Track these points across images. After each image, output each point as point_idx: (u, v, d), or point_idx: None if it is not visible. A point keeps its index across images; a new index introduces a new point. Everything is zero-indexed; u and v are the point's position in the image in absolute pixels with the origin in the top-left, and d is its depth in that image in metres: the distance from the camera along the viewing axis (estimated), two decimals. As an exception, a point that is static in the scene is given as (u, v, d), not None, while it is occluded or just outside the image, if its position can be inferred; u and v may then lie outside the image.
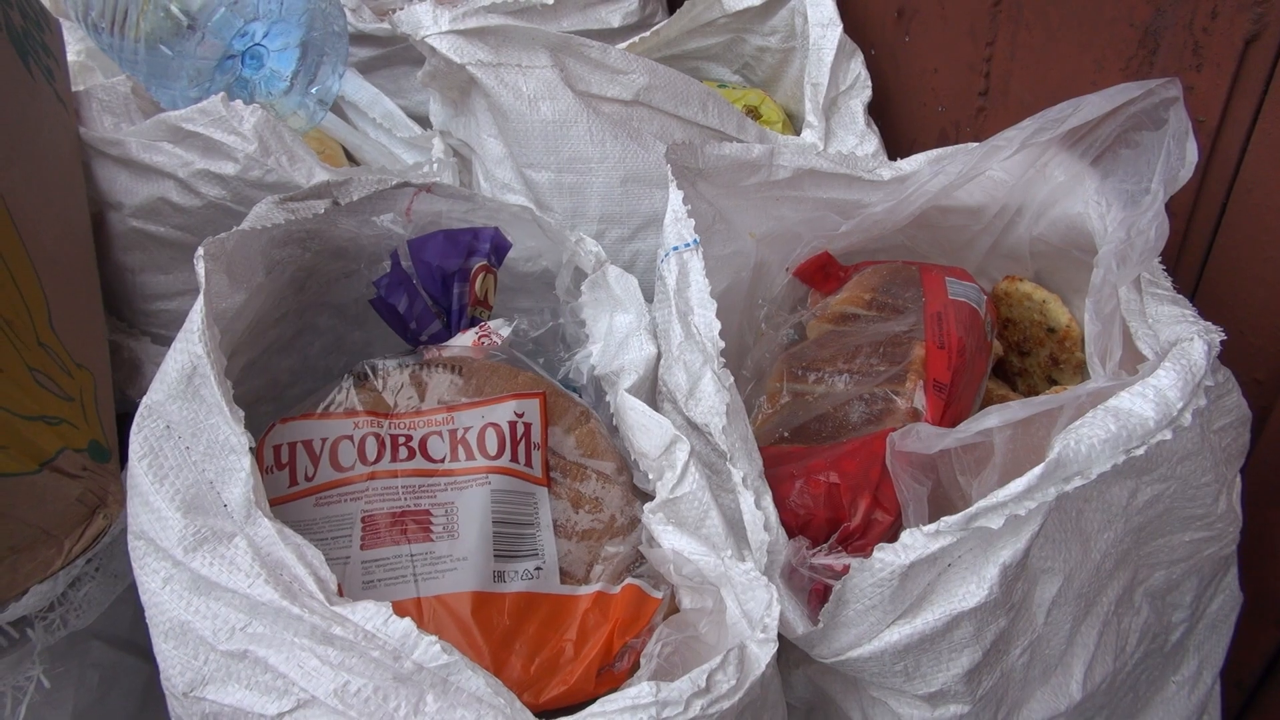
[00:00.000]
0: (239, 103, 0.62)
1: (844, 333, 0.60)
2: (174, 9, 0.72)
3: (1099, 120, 0.56)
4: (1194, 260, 0.58)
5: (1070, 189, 0.60)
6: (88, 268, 0.54)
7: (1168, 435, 0.34)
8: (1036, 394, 0.69)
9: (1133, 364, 0.44)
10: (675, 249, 0.50)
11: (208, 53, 0.73)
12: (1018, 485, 0.34)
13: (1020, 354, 0.70)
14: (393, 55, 0.97)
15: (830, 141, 0.77)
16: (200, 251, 0.41)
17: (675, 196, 0.52)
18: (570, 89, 0.67)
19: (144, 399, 0.38)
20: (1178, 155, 0.52)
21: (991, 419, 0.40)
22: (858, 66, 0.76)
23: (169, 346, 0.66)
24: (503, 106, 0.66)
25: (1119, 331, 0.45)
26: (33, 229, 0.46)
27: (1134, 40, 0.56)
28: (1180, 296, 0.47)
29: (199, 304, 0.39)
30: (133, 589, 0.47)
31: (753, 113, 0.86)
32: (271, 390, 0.57)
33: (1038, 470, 0.33)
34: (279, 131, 0.62)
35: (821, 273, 0.66)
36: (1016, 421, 0.39)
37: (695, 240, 0.50)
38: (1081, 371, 0.66)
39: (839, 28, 0.75)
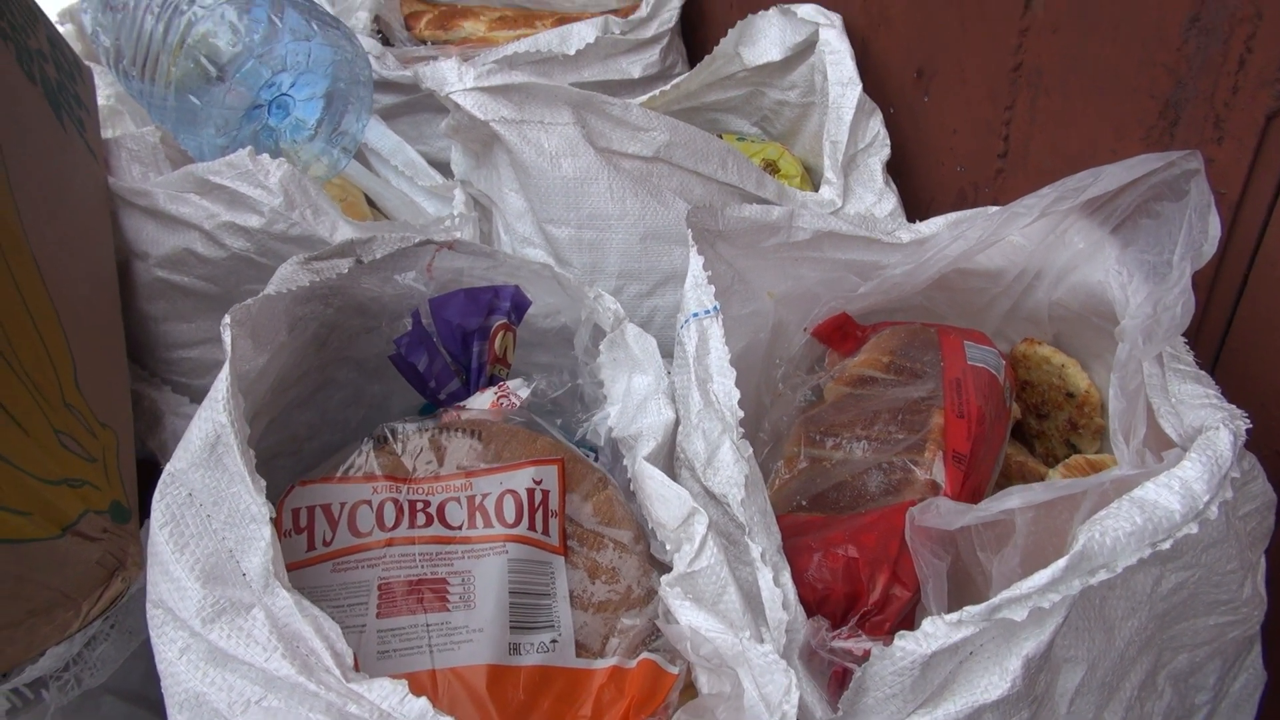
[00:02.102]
0: (265, 156, 0.63)
1: (862, 396, 0.60)
2: (204, 60, 0.73)
3: (1119, 189, 0.56)
4: (1214, 332, 0.58)
5: (1090, 256, 0.60)
6: (113, 322, 0.55)
7: (1194, 529, 0.33)
8: (1055, 457, 0.68)
9: (1156, 442, 0.44)
10: (695, 315, 0.50)
11: (235, 102, 0.75)
12: (1042, 577, 0.33)
13: (1038, 417, 0.69)
14: (416, 102, 0.98)
15: (849, 199, 0.77)
16: (227, 319, 0.41)
17: (696, 262, 0.52)
18: (591, 145, 0.68)
19: (167, 465, 0.38)
20: (1200, 229, 0.52)
21: (1014, 500, 0.40)
22: (877, 125, 0.77)
23: (189, 394, 0.67)
24: (525, 163, 0.67)
25: (1143, 408, 0.45)
26: (62, 287, 0.46)
27: (1155, 111, 0.57)
28: (1203, 374, 0.47)
29: (225, 372, 0.39)
30: (146, 644, 0.47)
31: (771, 167, 0.87)
32: (290, 445, 0.58)
33: (1062, 562, 0.33)
34: (304, 185, 0.63)
35: (839, 333, 0.66)
36: (1039, 504, 0.39)
37: (715, 307, 0.50)
38: (1101, 438, 0.66)
39: (858, 87, 0.75)
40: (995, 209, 0.62)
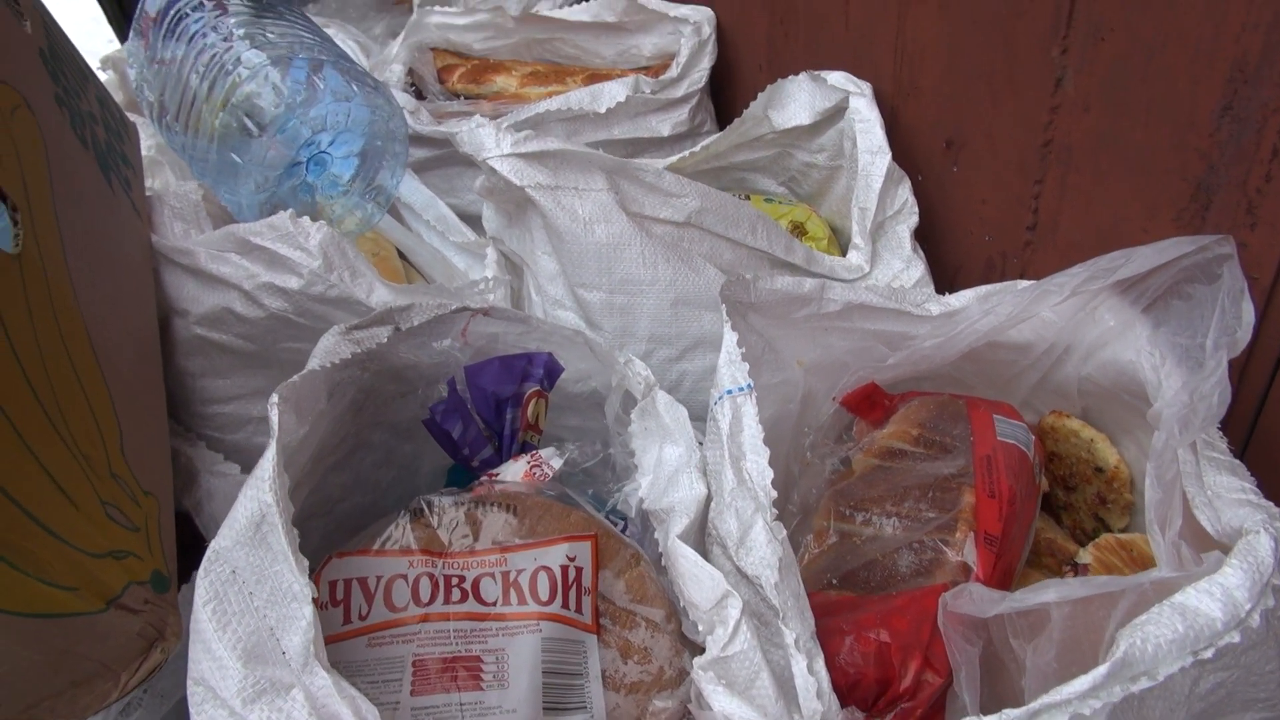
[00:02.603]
0: (306, 220, 0.64)
1: (891, 470, 0.60)
2: (246, 119, 0.75)
3: (1151, 271, 0.57)
4: (1245, 415, 0.58)
5: (1121, 334, 0.60)
6: (156, 385, 0.56)
7: (1235, 638, 0.33)
8: (1083, 530, 0.68)
9: (1192, 534, 0.44)
10: (729, 392, 0.50)
11: (276, 160, 0.76)
12: (1083, 683, 0.33)
13: (1066, 489, 0.69)
14: (448, 157, 1.00)
15: (876, 264, 0.78)
16: (274, 398, 0.42)
17: (730, 338, 0.52)
18: (624, 211, 0.69)
19: (213, 543, 0.38)
20: (1233, 314, 0.52)
21: (1050, 593, 0.40)
22: (905, 193, 0.77)
23: (223, 449, 0.68)
24: (558, 228, 0.68)
25: (1179, 499, 0.45)
26: (110, 353, 0.47)
27: (1186, 193, 0.57)
28: (1238, 464, 0.47)
29: (271, 452, 0.40)
30: (179, 705, 0.48)
31: (799, 229, 0.87)
32: (323, 506, 0.58)
33: (1104, 669, 0.33)
34: (342, 248, 0.64)
35: (868, 402, 0.66)
36: (1076, 599, 0.39)
37: (749, 385, 0.50)
38: (1130, 513, 0.65)
39: (888, 155, 0.76)
40: (1025, 284, 0.62)
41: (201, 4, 0.82)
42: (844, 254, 0.89)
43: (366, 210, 0.86)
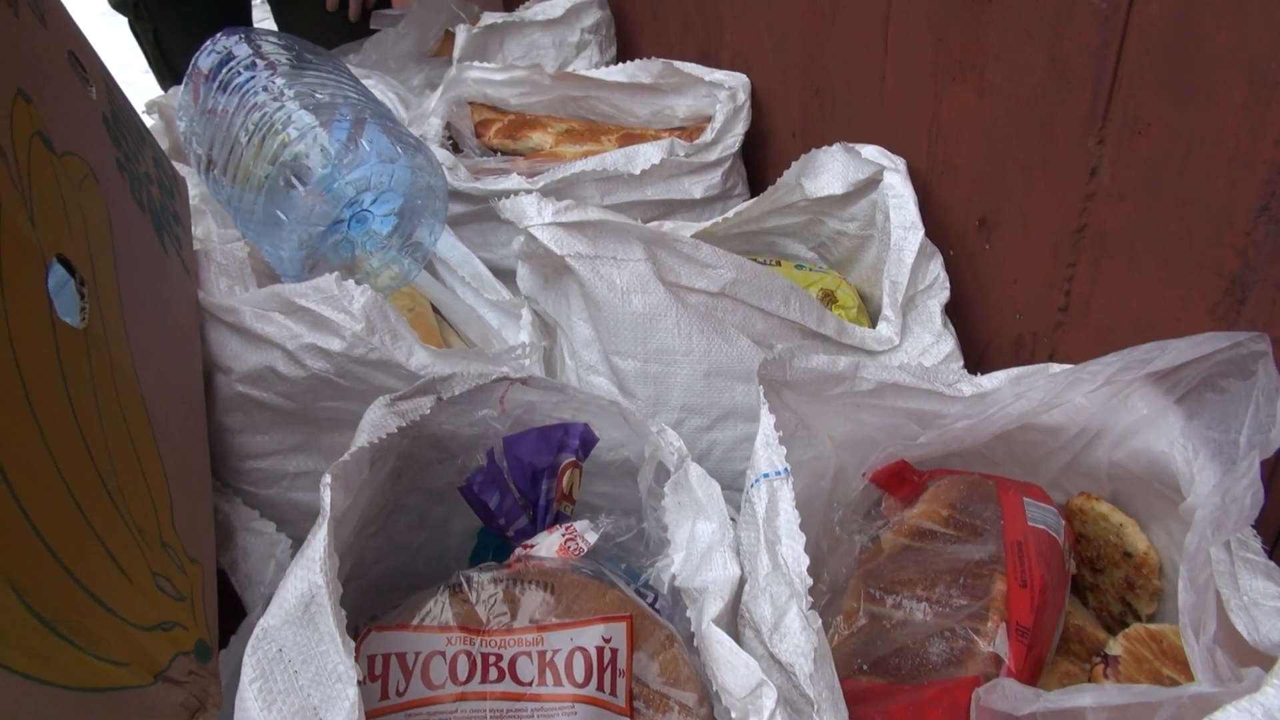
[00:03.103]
0: (350, 283, 0.65)
1: (921, 550, 0.60)
2: (293, 179, 0.77)
3: (1185, 364, 0.57)
4: (1276, 514, 0.58)
5: (1153, 423, 0.60)
6: (203, 450, 0.57)
7: (1277, 761, 0.33)
8: (1109, 613, 0.68)
9: (1227, 638, 0.44)
10: (766, 476, 0.51)
11: (320, 219, 0.78)
12: (1122, 801, 0.34)
13: (1093, 570, 0.69)
14: (483, 212, 1.02)
15: (906, 337, 0.78)
16: (327, 478, 0.43)
17: (767, 421, 0.53)
18: (660, 281, 0.70)
19: (261, 620, 0.39)
20: (1267, 412, 0.52)
21: (1087, 697, 0.40)
22: (937, 268, 0.78)
23: (257, 504, 0.68)
24: (596, 296, 0.69)
25: (1213, 602, 0.45)
26: (163, 421, 0.49)
27: (1221, 287, 0.58)
28: (1273, 566, 0.47)
29: (322, 532, 0.41)
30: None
31: (829, 296, 0.88)
32: (359, 569, 0.59)
33: (1143, 788, 0.33)
34: (384, 311, 0.65)
35: (897, 478, 0.67)
36: (1113, 706, 0.39)
37: (786, 469, 0.51)
38: (1158, 599, 0.65)
39: (921, 231, 0.77)
40: (1058, 368, 0.63)
41: (254, 63, 0.85)
42: (873, 322, 0.90)
43: (404, 265, 0.87)
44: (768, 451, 0.52)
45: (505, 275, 0.98)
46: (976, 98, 0.72)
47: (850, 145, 0.86)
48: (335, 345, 0.64)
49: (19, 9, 0.52)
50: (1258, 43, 0.50)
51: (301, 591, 0.39)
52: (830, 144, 0.88)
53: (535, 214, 0.69)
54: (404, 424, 0.49)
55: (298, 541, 0.65)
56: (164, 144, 1.14)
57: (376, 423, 0.48)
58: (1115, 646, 0.57)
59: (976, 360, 0.81)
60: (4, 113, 0.43)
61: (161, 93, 1.67)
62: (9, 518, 0.33)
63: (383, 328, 0.65)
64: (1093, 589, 0.70)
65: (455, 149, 1.18)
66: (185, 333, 0.60)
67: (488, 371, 0.58)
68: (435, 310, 0.92)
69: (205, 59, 0.87)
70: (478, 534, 0.68)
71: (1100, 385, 0.59)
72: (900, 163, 0.81)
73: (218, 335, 0.67)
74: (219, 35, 0.89)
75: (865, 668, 0.52)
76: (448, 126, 1.18)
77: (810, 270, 0.92)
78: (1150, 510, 0.65)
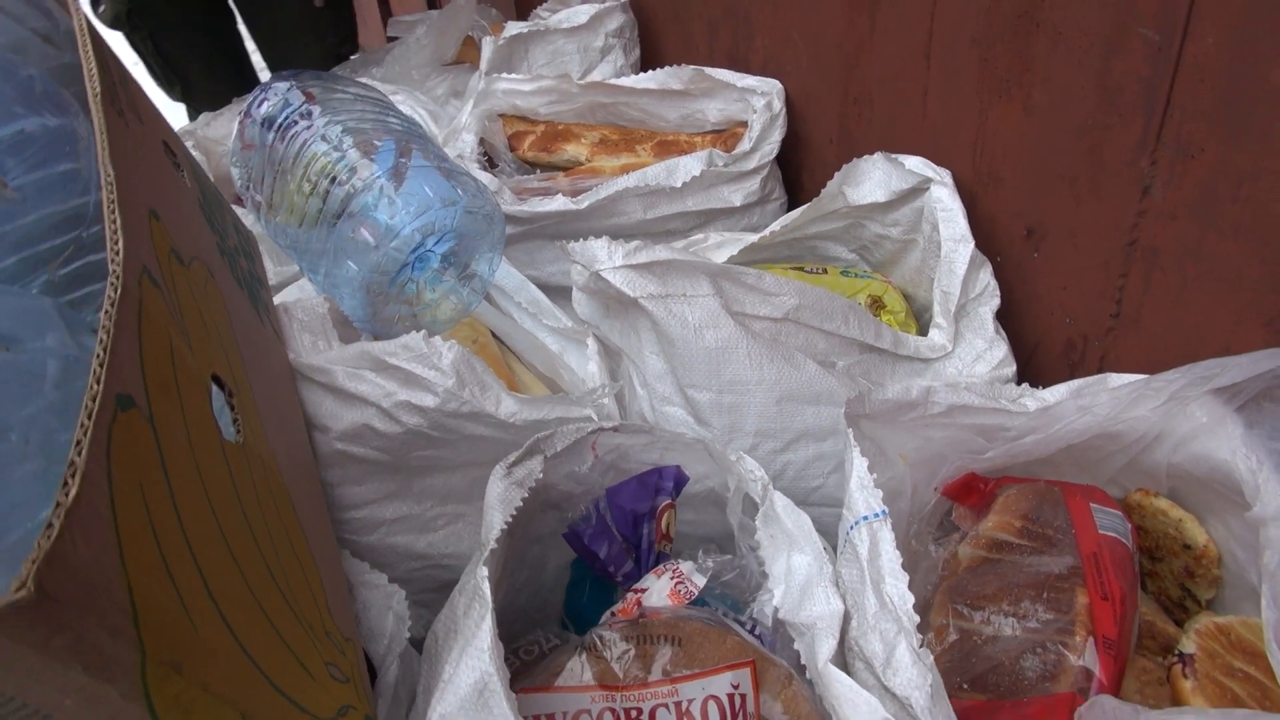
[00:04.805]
0: (437, 340, 0.68)
1: (999, 562, 0.64)
2: (364, 232, 0.79)
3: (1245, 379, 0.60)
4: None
5: (1212, 430, 0.64)
6: (329, 524, 0.60)
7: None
8: (1168, 596, 0.72)
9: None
10: (865, 519, 0.55)
11: (389, 266, 0.81)
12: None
13: (1152, 559, 0.73)
14: (530, 232, 1.04)
15: (959, 344, 0.82)
16: (484, 571, 0.47)
17: (860, 464, 0.57)
18: (728, 312, 0.73)
19: (437, 708, 0.43)
20: (1327, 426, 0.56)
21: (1187, 718, 0.44)
22: (987, 276, 0.81)
23: (355, 550, 0.72)
24: (670, 334, 0.72)
25: (1291, 618, 0.49)
26: (303, 509, 0.52)
27: (1275, 305, 0.61)
28: (1343, 578, 0.51)
29: (486, 623, 0.44)
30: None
31: (877, 302, 0.91)
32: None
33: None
34: (471, 364, 0.68)
35: (966, 489, 0.71)
36: (1213, 731, 0.43)
37: (884, 511, 0.55)
38: (1217, 586, 0.69)
39: (971, 243, 0.80)
40: (1118, 381, 0.66)
41: (309, 110, 0.87)
42: (920, 323, 0.93)
43: (463, 297, 0.90)
44: (864, 494, 0.55)
45: (554, 292, 1.01)
46: (1023, 116, 0.74)
47: (892, 155, 0.88)
48: (429, 401, 0.67)
49: (124, 114, 0.54)
50: (1312, 82, 0.53)
51: (474, 680, 0.43)
52: (869, 152, 0.90)
53: (606, 258, 0.72)
54: (525, 494, 0.52)
55: (402, 583, 0.69)
56: (211, 173, 1.16)
57: (504, 498, 0.51)
58: (1189, 644, 0.61)
59: (1026, 360, 0.84)
60: (146, 240, 0.45)
61: (168, 99, 1.68)
62: (228, 649, 0.37)
63: (472, 380, 0.68)
64: (1151, 575, 0.74)
65: (490, 163, 1.20)
66: (292, 405, 0.63)
67: (584, 424, 0.62)
68: (497, 338, 0.95)
69: (259, 108, 0.89)
70: (571, 567, 0.72)
71: (1164, 402, 0.62)
72: (946, 175, 0.83)
73: (312, 395, 0.70)
74: (271, 83, 0.91)
75: (965, 685, 0.56)
76: (481, 141, 1.19)
77: (856, 276, 0.95)
78: (1208, 506, 0.68)
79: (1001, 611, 0.59)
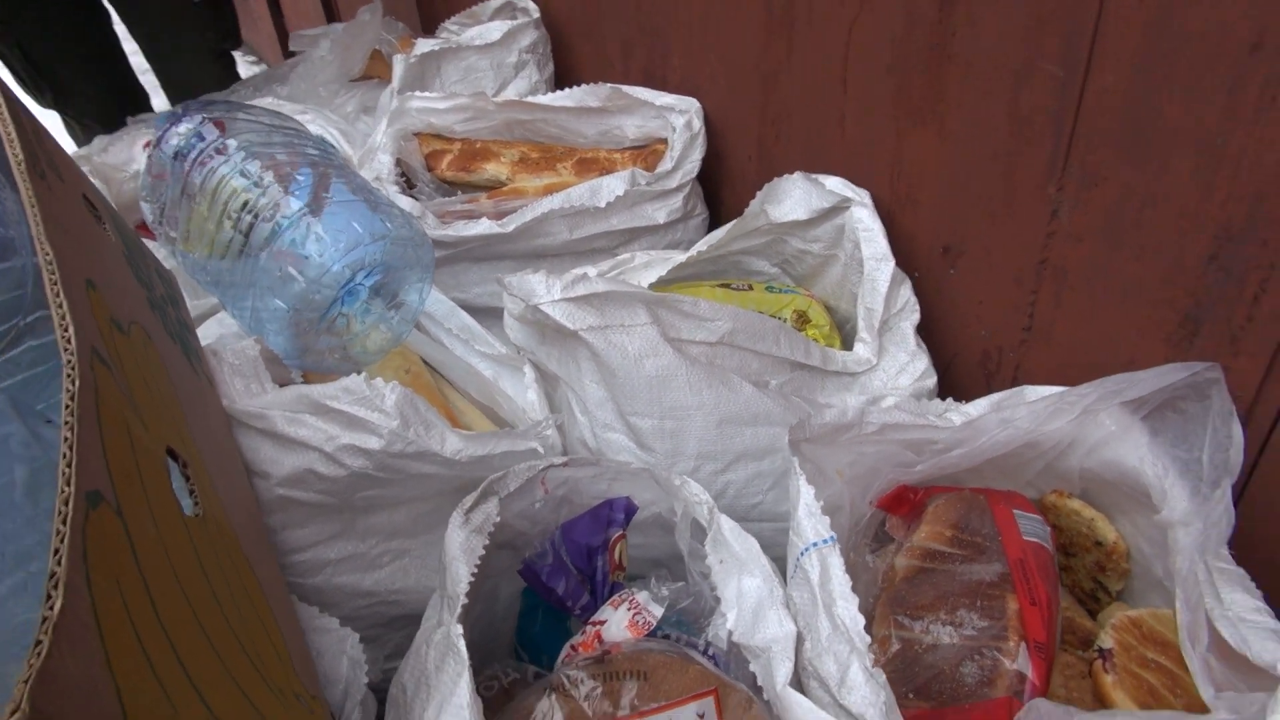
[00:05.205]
0: (379, 381, 0.68)
1: (933, 572, 0.67)
2: (290, 270, 0.78)
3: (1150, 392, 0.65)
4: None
5: (1121, 437, 0.69)
6: (280, 576, 0.59)
7: (1288, 780, 0.41)
8: (1081, 589, 0.77)
9: (1218, 650, 0.53)
10: (815, 545, 0.57)
11: (320, 304, 0.79)
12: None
13: (1066, 554, 0.78)
14: (455, 255, 1.04)
15: (883, 357, 0.85)
16: (459, 629, 0.47)
17: (807, 492, 0.59)
18: (665, 339, 0.75)
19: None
20: (1224, 433, 0.61)
21: (1119, 722, 0.48)
22: (907, 292, 0.85)
23: (300, 593, 0.71)
24: (610, 364, 0.73)
25: (1204, 616, 0.53)
26: (257, 567, 0.52)
27: (1175, 320, 0.66)
28: (1243, 574, 0.56)
29: (465, 680, 0.45)
30: None
31: (802, 316, 0.94)
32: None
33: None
34: (415, 404, 0.68)
35: (898, 500, 0.74)
36: (1143, 732, 0.46)
37: (832, 537, 0.57)
38: (1126, 579, 0.75)
39: (891, 262, 0.83)
40: (1035, 394, 0.70)
41: (224, 145, 0.85)
42: (843, 334, 0.97)
43: (393, 325, 0.89)
44: (812, 521, 0.58)
45: (481, 314, 1.01)
46: (938, 141, 0.78)
47: (812, 175, 0.91)
48: (373, 444, 0.67)
49: (46, 175, 0.52)
50: (1206, 118, 0.57)
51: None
52: (788, 170, 0.93)
53: (545, 291, 0.73)
54: (487, 541, 0.53)
55: (350, 621, 0.69)
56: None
57: (466, 548, 0.52)
58: (1106, 639, 0.65)
59: (944, 369, 0.89)
60: (89, 316, 0.44)
61: (38, 107, 1.61)
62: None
63: (416, 420, 0.68)
64: (1065, 570, 0.79)
65: (408, 184, 1.19)
66: (232, 455, 0.62)
67: (535, 463, 0.63)
68: (429, 366, 0.95)
69: (171, 142, 0.86)
70: (521, 595, 0.73)
71: (1078, 415, 0.67)
72: (865, 195, 0.87)
73: (249, 441, 0.69)
74: (181, 117, 0.88)
75: (911, 695, 0.60)
76: (397, 161, 1.18)
77: (781, 292, 0.97)
78: (1117, 506, 0.73)
79: (939, 620, 0.63)
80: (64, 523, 0.32)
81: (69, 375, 0.37)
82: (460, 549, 0.53)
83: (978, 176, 0.76)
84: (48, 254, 0.43)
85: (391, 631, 0.78)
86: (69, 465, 0.34)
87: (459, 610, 0.49)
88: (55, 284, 0.41)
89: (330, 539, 0.73)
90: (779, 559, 0.66)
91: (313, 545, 0.72)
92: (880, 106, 0.84)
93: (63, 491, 0.33)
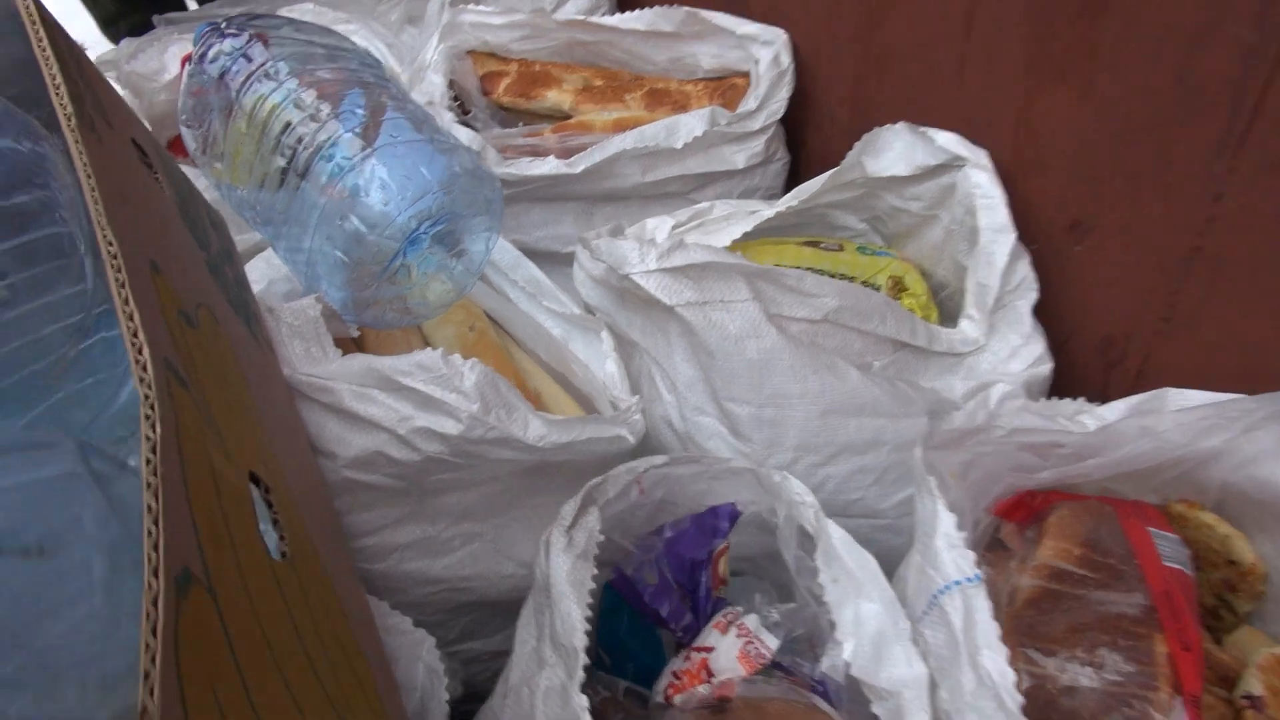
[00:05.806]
0: (457, 357, 0.61)
1: (1061, 595, 0.61)
2: (355, 220, 0.70)
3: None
4: None
5: (1276, 454, 0.62)
6: (358, 584, 0.54)
7: None
8: (1203, 606, 0.71)
9: None
10: (958, 583, 0.51)
11: (383, 256, 0.72)
12: None
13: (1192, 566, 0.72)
14: (517, 195, 0.95)
15: (993, 337, 0.78)
16: (583, 700, 0.41)
17: (947, 520, 0.52)
18: (767, 317, 0.67)
19: None
20: None
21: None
22: (1025, 268, 0.77)
23: (365, 579, 0.66)
24: (708, 344, 0.66)
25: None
26: (336, 576, 0.46)
27: (1359, 331, 0.58)
28: None
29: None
30: None
31: (898, 284, 0.86)
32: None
33: None
34: (496, 385, 0.61)
35: (1016, 505, 0.68)
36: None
37: (978, 575, 0.51)
38: (1258, 601, 0.69)
39: (1013, 235, 0.75)
40: (1180, 402, 0.63)
41: (276, 70, 0.75)
42: (940, 303, 0.89)
43: (455, 276, 0.82)
44: (953, 555, 0.51)
45: (541, 258, 0.93)
46: (1078, 103, 0.69)
47: (918, 127, 0.82)
48: (451, 428, 0.60)
49: (96, 126, 0.44)
50: None
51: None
52: (886, 118, 0.84)
53: (638, 260, 0.65)
54: (596, 570, 0.47)
55: (414, 608, 0.64)
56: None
57: (574, 580, 0.46)
58: (1254, 684, 0.60)
59: (1055, 352, 0.81)
60: (157, 314, 0.37)
61: None
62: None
63: (497, 404, 0.61)
64: (1184, 581, 0.73)
65: (462, 109, 1.09)
66: (299, 436, 0.55)
67: (635, 465, 0.56)
68: (492, 321, 0.87)
69: (216, 62, 0.77)
70: (604, 590, 0.68)
71: (1237, 435, 0.59)
72: (983, 156, 0.78)
73: (313, 416, 0.62)
74: (222, 30, 0.79)
75: (1047, 745, 0.54)
76: (452, 84, 1.08)
77: (874, 254, 0.89)
78: (1258, 523, 0.67)
79: (1076, 659, 0.57)
80: (154, 632, 0.25)
81: (147, 417, 0.30)
82: (567, 581, 0.46)
83: (1126, 147, 0.67)
84: (111, 243, 0.35)
85: (458, 617, 0.73)
86: (155, 548, 0.27)
87: (579, 672, 0.43)
88: (123, 286, 0.34)
89: (398, 522, 0.67)
90: (878, 555, 0.60)
91: (380, 529, 0.66)
92: (1010, 57, 0.74)
93: (150, 587, 0.26)
